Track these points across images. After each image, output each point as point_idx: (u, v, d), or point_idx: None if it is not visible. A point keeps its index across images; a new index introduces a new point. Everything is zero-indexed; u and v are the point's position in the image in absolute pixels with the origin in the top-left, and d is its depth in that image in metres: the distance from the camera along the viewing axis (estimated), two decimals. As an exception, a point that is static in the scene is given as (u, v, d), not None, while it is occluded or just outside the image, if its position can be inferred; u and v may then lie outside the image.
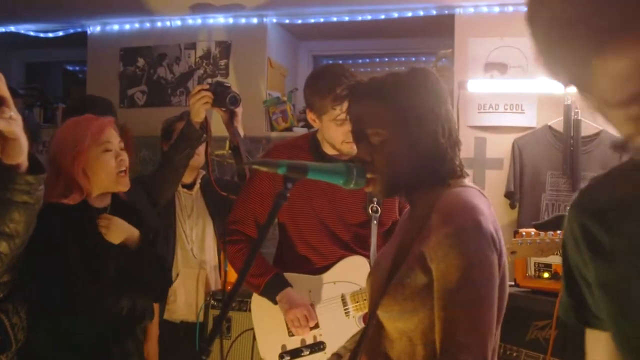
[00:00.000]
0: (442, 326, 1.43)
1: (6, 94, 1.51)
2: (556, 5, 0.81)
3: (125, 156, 2.40)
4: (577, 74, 0.81)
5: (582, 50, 0.78)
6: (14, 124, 1.50)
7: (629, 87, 0.78)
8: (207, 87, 2.82)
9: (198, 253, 3.28)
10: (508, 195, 3.60)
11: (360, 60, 4.99)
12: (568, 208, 1.14)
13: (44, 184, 1.70)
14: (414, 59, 4.79)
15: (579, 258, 1.11)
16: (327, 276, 2.57)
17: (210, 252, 3.31)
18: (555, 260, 2.73)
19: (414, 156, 1.55)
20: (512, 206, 3.61)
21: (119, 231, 2.37)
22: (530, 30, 0.84)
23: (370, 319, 1.59)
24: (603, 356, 1.19)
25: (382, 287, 1.54)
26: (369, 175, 1.58)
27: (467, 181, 1.59)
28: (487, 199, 1.56)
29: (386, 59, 4.92)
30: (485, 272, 1.43)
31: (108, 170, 2.36)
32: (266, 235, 1.57)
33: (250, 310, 2.80)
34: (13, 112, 1.51)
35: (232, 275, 3.01)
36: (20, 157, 1.57)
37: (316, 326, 2.56)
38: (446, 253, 1.43)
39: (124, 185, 2.42)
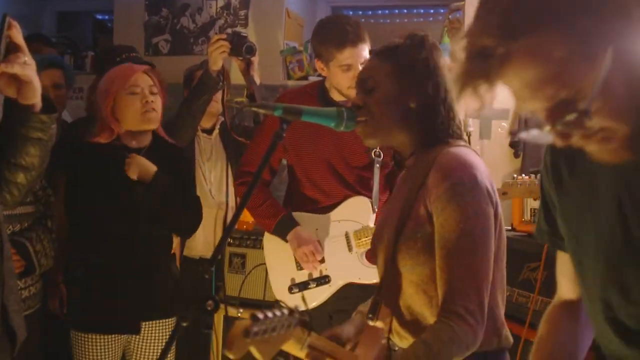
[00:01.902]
0: (442, 274, 1.54)
1: (21, 41, 1.64)
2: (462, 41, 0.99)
3: (153, 98, 2.60)
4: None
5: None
6: (28, 68, 1.64)
7: (544, 95, 0.96)
8: (225, 36, 2.94)
9: (216, 194, 3.41)
10: (512, 144, 3.70)
11: (379, 12, 5.04)
12: (545, 147, 1.28)
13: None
14: (431, 10, 4.84)
15: (550, 187, 1.27)
16: (332, 215, 2.74)
17: (228, 193, 3.48)
18: (550, 206, 2.86)
19: (404, 108, 1.68)
20: (516, 155, 3.72)
21: (136, 168, 2.58)
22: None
23: (386, 275, 1.67)
24: (569, 284, 1.39)
25: (392, 244, 1.63)
26: (359, 118, 1.72)
27: (462, 142, 1.70)
28: (481, 158, 1.67)
29: (405, 11, 4.96)
30: (481, 223, 1.54)
31: (133, 111, 2.57)
32: (263, 169, 1.72)
33: (262, 248, 2.97)
34: (27, 58, 1.64)
35: (245, 216, 3.19)
36: (35, 98, 1.71)
37: (322, 261, 2.73)
38: (444, 206, 1.54)
39: (148, 123, 2.62)
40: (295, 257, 2.77)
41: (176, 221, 2.70)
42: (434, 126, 1.67)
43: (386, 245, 1.68)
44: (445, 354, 1.49)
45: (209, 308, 1.48)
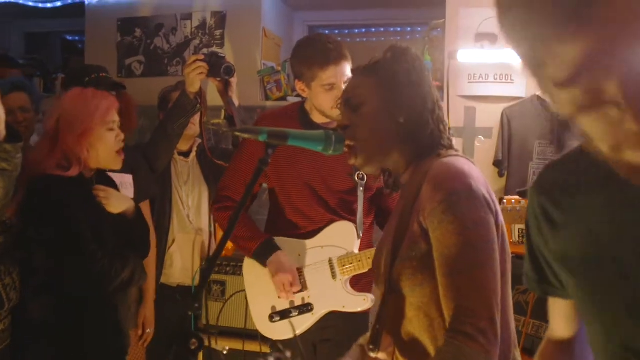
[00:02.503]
0: (446, 293, 1.43)
1: None
2: None
3: (122, 136, 2.49)
4: (534, 48, 0.85)
5: (542, 26, 0.82)
6: None
7: (572, 70, 0.82)
8: (202, 57, 2.86)
9: (194, 219, 3.34)
10: (496, 163, 3.67)
11: (356, 30, 5.01)
12: (529, 189, 1.20)
13: (31, 153, 1.76)
14: (408, 28, 4.82)
15: (539, 236, 1.19)
16: (315, 240, 2.65)
17: (206, 218, 3.38)
18: (539, 226, 2.81)
19: (393, 126, 1.60)
20: (500, 174, 3.68)
21: (119, 202, 2.47)
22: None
23: (386, 299, 1.59)
24: (561, 318, 1.30)
25: (389, 266, 1.56)
26: (348, 142, 1.65)
27: (453, 151, 1.63)
28: (476, 166, 1.59)
29: (381, 29, 4.94)
30: (482, 234, 1.43)
31: (109, 149, 2.45)
32: (248, 198, 1.65)
33: (242, 274, 2.87)
34: None
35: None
36: None
37: (305, 288, 2.64)
38: (441, 220, 1.44)
39: (119, 163, 2.51)
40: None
41: (137, 248, 2.60)
42: (425, 139, 1.61)
43: (383, 268, 1.60)
44: None
45: (192, 347, 1.41)
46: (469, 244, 1.42)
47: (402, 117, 1.60)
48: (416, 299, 1.53)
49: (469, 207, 1.44)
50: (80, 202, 2.40)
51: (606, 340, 1.12)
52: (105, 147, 2.45)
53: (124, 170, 2.86)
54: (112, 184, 2.60)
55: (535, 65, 0.86)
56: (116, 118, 2.48)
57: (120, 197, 2.51)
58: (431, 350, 1.52)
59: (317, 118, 2.65)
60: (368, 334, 1.64)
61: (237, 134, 1.69)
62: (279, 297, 2.66)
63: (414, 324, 1.55)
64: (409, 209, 1.55)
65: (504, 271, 1.50)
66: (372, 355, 1.56)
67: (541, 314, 2.65)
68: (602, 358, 1.15)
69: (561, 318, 1.30)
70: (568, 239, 1.12)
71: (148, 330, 3.14)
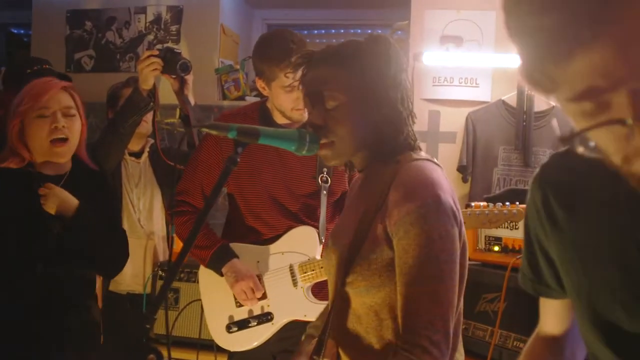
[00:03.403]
0: (404, 302, 1.43)
1: None
2: None
3: (63, 123, 2.27)
4: (544, 63, 0.85)
5: (555, 36, 0.81)
6: None
7: (584, 83, 0.82)
8: (157, 53, 2.74)
9: (145, 223, 3.20)
10: (460, 169, 3.61)
11: (315, 31, 4.93)
12: (530, 181, 1.18)
13: None
14: (369, 30, 4.74)
15: (541, 229, 1.16)
16: (275, 246, 2.54)
17: (159, 222, 3.23)
18: (505, 233, 2.73)
19: (370, 123, 1.52)
20: (465, 180, 3.62)
21: (54, 201, 2.27)
22: (506, 6, 0.87)
23: (336, 296, 1.57)
24: (552, 316, 1.29)
25: (345, 263, 1.52)
26: (322, 141, 1.55)
27: (422, 153, 1.57)
28: (442, 169, 1.55)
29: (342, 30, 4.87)
30: (446, 248, 1.43)
31: (39, 138, 2.25)
32: (214, 203, 1.52)
33: (198, 282, 2.73)
34: None
35: (179, 246, 2.94)
36: None
37: (264, 297, 2.53)
38: (407, 230, 1.42)
39: (57, 156, 2.30)
40: (233, 294, 2.53)
41: (100, 262, 2.41)
42: (399, 138, 1.54)
43: (339, 263, 1.56)
44: None
45: None
46: (433, 257, 1.41)
47: (381, 114, 1.52)
48: (370, 299, 1.51)
49: (437, 220, 1.43)
50: (12, 197, 2.23)
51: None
52: (34, 135, 2.25)
53: None
54: (89, 178, 2.40)
55: (544, 81, 0.87)
56: (53, 105, 2.27)
57: (58, 196, 2.28)
58: (377, 348, 1.52)
59: (279, 118, 2.53)
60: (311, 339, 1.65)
61: (205, 130, 1.54)
62: (239, 306, 2.55)
63: (363, 322, 1.54)
64: (372, 210, 1.50)
65: (461, 280, 1.50)
66: None
67: (509, 324, 2.59)
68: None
69: (553, 316, 1.29)
70: (570, 236, 1.10)
71: None
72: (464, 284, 1.53)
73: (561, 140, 0.87)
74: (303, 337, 1.74)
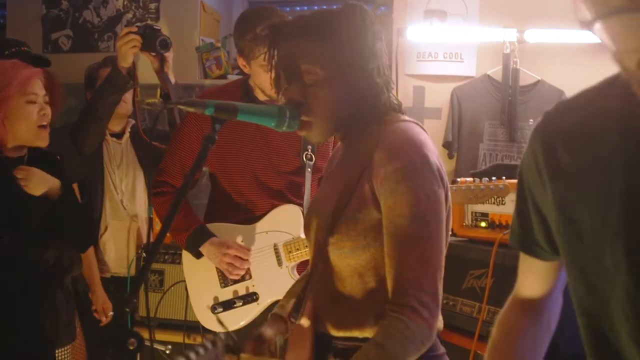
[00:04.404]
0: (392, 263, 1.41)
1: None
2: None
3: (48, 111, 2.29)
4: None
5: None
6: None
7: None
8: (136, 30, 2.70)
9: (128, 205, 3.16)
10: (446, 145, 3.57)
11: (297, 8, 4.86)
12: (530, 133, 1.13)
13: None
14: (353, 7, 4.67)
15: (538, 182, 1.10)
16: (259, 226, 2.51)
17: (142, 203, 3.20)
18: (492, 209, 2.71)
19: (350, 96, 1.49)
20: (450, 156, 3.59)
21: (39, 183, 2.28)
22: None
23: (315, 261, 1.55)
24: (535, 277, 1.25)
25: (328, 224, 1.49)
26: (303, 118, 1.50)
27: (406, 116, 1.54)
28: (426, 132, 1.52)
29: (324, 7, 4.79)
30: (433, 207, 1.40)
31: (29, 123, 2.25)
32: (190, 182, 1.48)
33: (182, 263, 2.68)
34: None
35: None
36: None
37: (249, 277, 2.50)
38: (394, 188, 1.39)
39: (42, 141, 2.31)
40: (220, 270, 2.49)
41: (72, 237, 2.38)
42: (379, 103, 1.51)
43: (322, 224, 1.53)
44: (400, 352, 1.38)
45: (130, 347, 1.29)
46: (420, 216, 1.39)
47: (361, 87, 1.48)
48: (355, 260, 1.49)
49: (424, 179, 1.40)
50: None
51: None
52: (24, 120, 2.24)
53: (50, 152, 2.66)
54: (48, 162, 2.38)
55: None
56: (38, 91, 2.27)
57: (42, 177, 2.29)
58: (360, 310, 1.50)
59: (261, 96, 2.49)
60: (286, 302, 1.64)
61: (181, 107, 1.49)
62: (224, 286, 2.52)
63: (346, 285, 1.51)
64: (357, 172, 1.47)
65: (445, 241, 1.47)
66: (294, 322, 1.53)
67: (497, 300, 2.58)
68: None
69: (535, 277, 1.25)
70: (574, 183, 1.04)
71: (110, 314, 2.98)
72: (445, 249, 1.50)
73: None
74: (269, 315, 1.72)
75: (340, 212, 1.47)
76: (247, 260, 2.46)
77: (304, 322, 1.54)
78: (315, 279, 1.55)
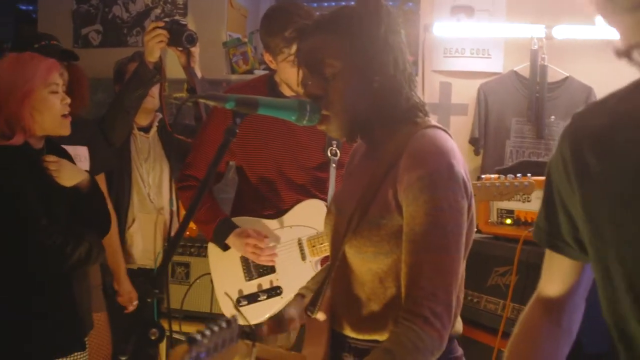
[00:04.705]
0: (408, 270, 1.41)
1: None
2: None
3: (69, 100, 2.32)
4: None
5: None
6: None
7: None
8: (163, 24, 2.72)
9: (155, 198, 3.19)
10: (472, 141, 3.55)
11: (325, 4, 4.86)
12: (560, 134, 1.13)
13: None
14: (380, 2, 4.66)
15: (566, 183, 1.10)
16: (283, 220, 2.52)
17: (168, 196, 3.22)
18: (518, 206, 2.70)
19: (367, 89, 1.48)
20: (477, 152, 3.57)
21: (71, 174, 2.31)
22: None
23: (334, 259, 1.55)
24: (559, 276, 1.24)
25: (349, 228, 1.49)
26: (323, 112, 1.51)
27: (434, 121, 1.54)
28: (454, 141, 1.51)
29: (352, 2, 4.78)
30: (454, 218, 1.39)
31: (53, 113, 2.28)
32: (212, 175, 1.50)
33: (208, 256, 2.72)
34: None
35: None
36: None
37: (273, 270, 2.52)
38: (416, 196, 1.39)
39: (66, 129, 2.33)
40: (246, 259, 2.54)
41: (94, 224, 2.42)
42: (401, 102, 1.50)
43: (343, 223, 1.53)
44: None
45: (152, 338, 1.31)
46: (440, 226, 1.39)
47: (376, 79, 1.48)
48: (377, 265, 1.49)
49: (447, 189, 1.40)
50: (26, 173, 2.23)
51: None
52: (49, 110, 2.27)
53: (78, 142, 2.70)
54: (65, 155, 2.42)
55: None
56: (59, 80, 2.30)
57: (73, 169, 2.34)
58: (378, 315, 1.51)
59: (287, 91, 2.50)
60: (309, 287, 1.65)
61: (202, 100, 1.52)
62: (249, 280, 2.54)
63: (366, 289, 1.52)
64: (381, 174, 1.48)
65: (466, 250, 1.48)
66: (311, 315, 1.54)
67: (521, 298, 2.56)
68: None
69: (558, 275, 1.25)
70: (601, 186, 1.03)
71: (135, 302, 3.04)
72: (467, 252, 1.50)
73: (617, 54, 0.83)
74: (293, 297, 1.74)
75: (362, 214, 1.47)
76: (264, 248, 2.47)
77: (320, 316, 1.55)
78: (334, 277, 1.56)
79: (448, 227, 1.38)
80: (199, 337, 1.03)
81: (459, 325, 1.54)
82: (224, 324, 1.09)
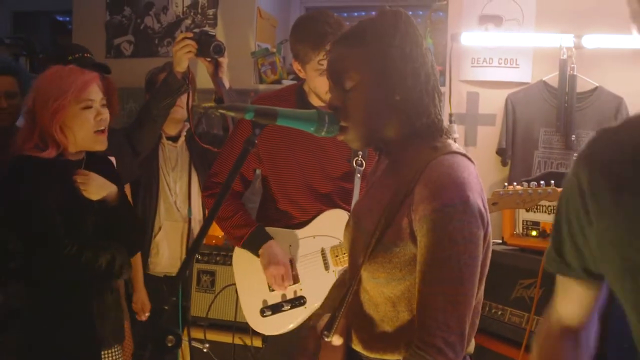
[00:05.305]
0: (421, 300, 1.41)
1: None
2: None
3: (106, 115, 2.34)
4: None
5: None
6: None
7: None
8: (191, 35, 2.76)
9: (182, 206, 3.23)
10: (500, 152, 3.52)
11: (355, 14, 4.86)
12: (575, 159, 1.10)
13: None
14: (410, 12, 4.64)
15: (582, 210, 1.08)
16: (307, 230, 2.53)
17: (195, 205, 3.26)
18: (544, 218, 2.67)
19: (385, 100, 1.48)
20: (504, 163, 3.53)
21: (98, 188, 2.33)
22: None
23: (352, 280, 1.56)
24: (575, 304, 1.23)
25: (365, 250, 1.49)
26: (342, 123, 1.52)
27: (453, 143, 1.52)
28: (473, 163, 1.50)
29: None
30: (469, 250, 1.39)
31: (86, 129, 2.30)
32: (232, 182, 1.52)
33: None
34: None
35: (215, 229, 2.96)
36: None
37: (296, 281, 2.52)
38: (430, 228, 1.39)
39: (101, 145, 2.36)
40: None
41: (125, 242, 2.44)
42: (421, 117, 1.50)
43: (361, 243, 1.54)
44: None
45: (169, 345, 1.34)
46: (454, 259, 1.39)
47: (397, 93, 1.48)
48: (389, 290, 1.50)
49: (462, 222, 1.39)
50: (52, 185, 2.26)
51: None
52: (81, 127, 2.30)
53: (106, 152, 2.74)
54: (107, 165, 2.46)
55: None
56: (94, 96, 2.32)
57: (101, 183, 2.35)
58: (390, 337, 1.51)
59: (316, 101, 2.51)
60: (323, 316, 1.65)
61: (222, 111, 1.53)
62: (272, 290, 2.55)
63: (379, 311, 1.53)
64: (398, 201, 1.47)
65: (482, 276, 1.48)
66: (326, 339, 1.54)
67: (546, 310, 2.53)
68: None
69: (573, 298, 1.23)
70: (618, 219, 1.01)
71: (147, 314, 3.09)
72: (484, 279, 1.51)
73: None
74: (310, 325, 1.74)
75: (378, 240, 1.47)
76: (287, 283, 2.49)
77: (336, 340, 1.56)
78: (351, 298, 1.56)
79: (462, 259, 1.38)
80: None
81: (471, 347, 1.54)
82: None
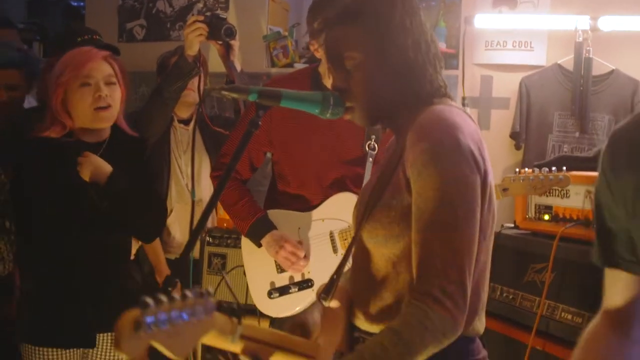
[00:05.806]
0: (417, 250, 1.35)
1: None
2: None
3: (108, 91, 2.33)
4: None
5: None
6: None
7: None
8: (202, 18, 2.76)
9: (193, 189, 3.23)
10: (513, 135, 3.48)
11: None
12: (608, 139, 1.11)
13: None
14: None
15: (611, 199, 1.11)
16: (315, 213, 2.52)
17: (207, 188, 3.26)
18: (556, 202, 2.64)
19: (390, 77, 1.46)
20: (518, 147, 3.50)
21: (88, 168, 2.32)
22: None
23: (354, 242, 1.53)
24: (623, 294, 1.21)
25: (365, 213, 1.46)
26: (347, 104, 1.50)
27: (452, 102, 1.50)
28: (474, 122, 1.47)
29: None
30: (462, 192, 1.33)
31: (83, 106, 2.31)
32: (235, 166, 1.51)
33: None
34: None
35: (224, 212, 2.96)
36: None
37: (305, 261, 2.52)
38: (420, 171, 1.35)
39: (101, 122, 2.36)
40: (277, 262, 2.53)
41: (135, 227, 2.46)
42: (425, 85, 1.47)
43: (361, 210, 1.50)
44: (417, 342, 1.29)
45: None
46: (446, 201, 1.33)
47: (400, 67, 1.45)
48: (388, 250, 1.44)
49: (452, 162, 1.34)
50: (45, 164, 2.30)
51: None
52: (79, 103, 2.31)
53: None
54: (131, 145, 2.46)
55: None
56: (95, 73, 2.32)
57: (93, 163, 2.33)
58: (390, 304, 1.45)
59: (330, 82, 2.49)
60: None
61: (225, 92, 1.51)
62: (280, 272, 2.55)
63: (380, 275, 1.47)
64: (396, 157, 1.45)
65: (485, 234, 1.41)
66: (324, 303, 1.51)
67: (557, 295, 2.51)
68: None
69: (622, 290, 1.21)
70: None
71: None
72: (491, 239, 1.45)
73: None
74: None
75: (376, 198, 1.44)
76: (301, 257, 2.48)
77: (334, 304, 1.52)
78: (354, 267, 1.54)
79: (455, 201, 1.32)
80: (151, 302, 0.98)
81: (480, 325, 1.47)
82: (191, 294, 1.04)
